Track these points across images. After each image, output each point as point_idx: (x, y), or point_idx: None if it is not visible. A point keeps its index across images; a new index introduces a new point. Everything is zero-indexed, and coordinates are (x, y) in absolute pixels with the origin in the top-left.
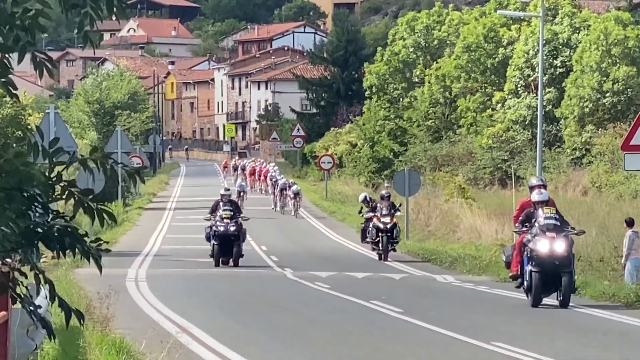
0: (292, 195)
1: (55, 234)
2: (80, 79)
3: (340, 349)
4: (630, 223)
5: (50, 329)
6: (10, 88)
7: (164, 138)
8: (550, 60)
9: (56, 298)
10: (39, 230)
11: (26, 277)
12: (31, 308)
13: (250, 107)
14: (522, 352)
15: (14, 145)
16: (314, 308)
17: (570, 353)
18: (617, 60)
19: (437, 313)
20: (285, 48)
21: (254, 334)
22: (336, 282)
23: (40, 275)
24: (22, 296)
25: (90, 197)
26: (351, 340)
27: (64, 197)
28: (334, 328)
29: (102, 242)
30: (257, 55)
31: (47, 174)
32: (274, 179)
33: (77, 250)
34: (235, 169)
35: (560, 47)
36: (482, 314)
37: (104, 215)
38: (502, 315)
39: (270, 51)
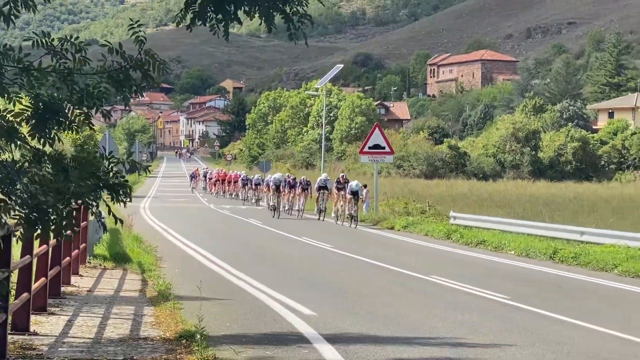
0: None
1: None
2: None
3: (284, 274)
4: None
5: (106, 228)
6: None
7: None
8: (329, 114)
9: (112, 214)
10: (101, 184)
11: (97, 207)
12: (99, 218)
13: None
14: (349, 255)
15: (92, 150)
16: (258, 236)
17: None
18: (359, 115)
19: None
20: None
21: (205, 238)
22: (269, 220)
23: (105, 206)
24: (94, 213)
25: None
26: (288, 267)
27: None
28: (276, 256)
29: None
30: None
31: (106, 167)
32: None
33: (121, 193)
34: (204, 175)
35: (334, 108)
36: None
37: (128, 191)
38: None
39: (205, 108)
